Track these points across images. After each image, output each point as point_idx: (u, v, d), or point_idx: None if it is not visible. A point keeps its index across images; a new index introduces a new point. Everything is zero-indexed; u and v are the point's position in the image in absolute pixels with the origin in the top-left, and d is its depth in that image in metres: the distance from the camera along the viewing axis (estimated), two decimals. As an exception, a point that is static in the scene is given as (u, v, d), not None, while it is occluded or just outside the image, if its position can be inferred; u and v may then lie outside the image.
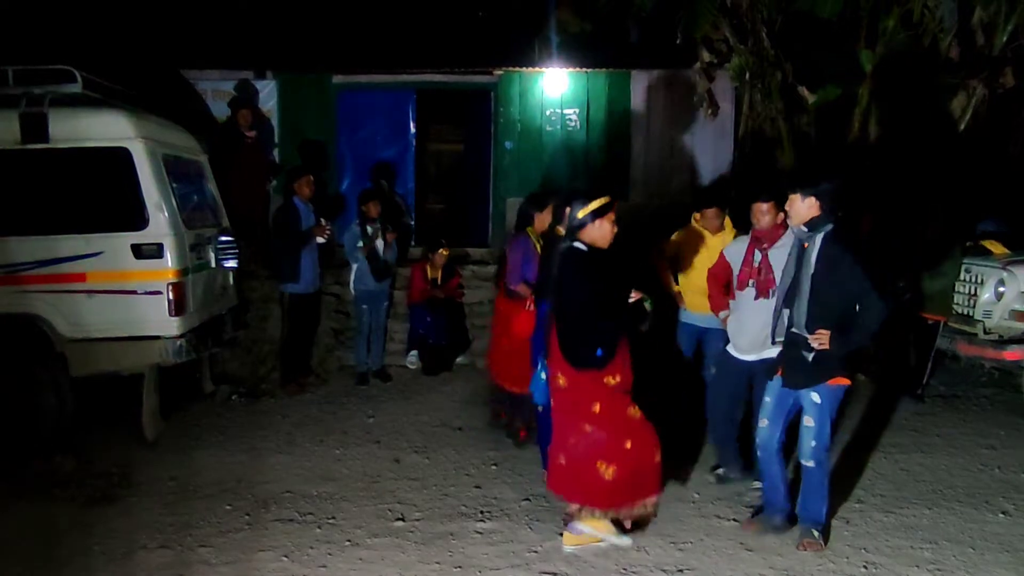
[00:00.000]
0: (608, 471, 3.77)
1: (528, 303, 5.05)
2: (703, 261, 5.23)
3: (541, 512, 4.40)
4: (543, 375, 4.01)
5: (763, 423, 4.03)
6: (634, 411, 3.86)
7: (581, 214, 3.82)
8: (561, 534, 4.05)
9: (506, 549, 3.97)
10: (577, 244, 3.83)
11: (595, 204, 3.81)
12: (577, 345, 3.79)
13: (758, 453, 4.10)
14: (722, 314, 4.70)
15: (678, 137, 9.45)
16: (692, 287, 5.36)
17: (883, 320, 3.67)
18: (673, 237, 5.57)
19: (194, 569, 3.76)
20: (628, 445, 3.79)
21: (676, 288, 5.51)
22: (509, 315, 5.30)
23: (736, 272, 4.50)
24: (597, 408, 3.79)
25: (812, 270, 3.76)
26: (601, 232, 3.83)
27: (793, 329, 3.86)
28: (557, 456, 3.94)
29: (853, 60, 8.62)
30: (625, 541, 3.93)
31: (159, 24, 9.27)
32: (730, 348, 4.58)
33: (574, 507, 3.90)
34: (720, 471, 4.84)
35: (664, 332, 5.44)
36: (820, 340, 3.72)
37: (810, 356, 3.78)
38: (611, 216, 3.84)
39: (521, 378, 4.89)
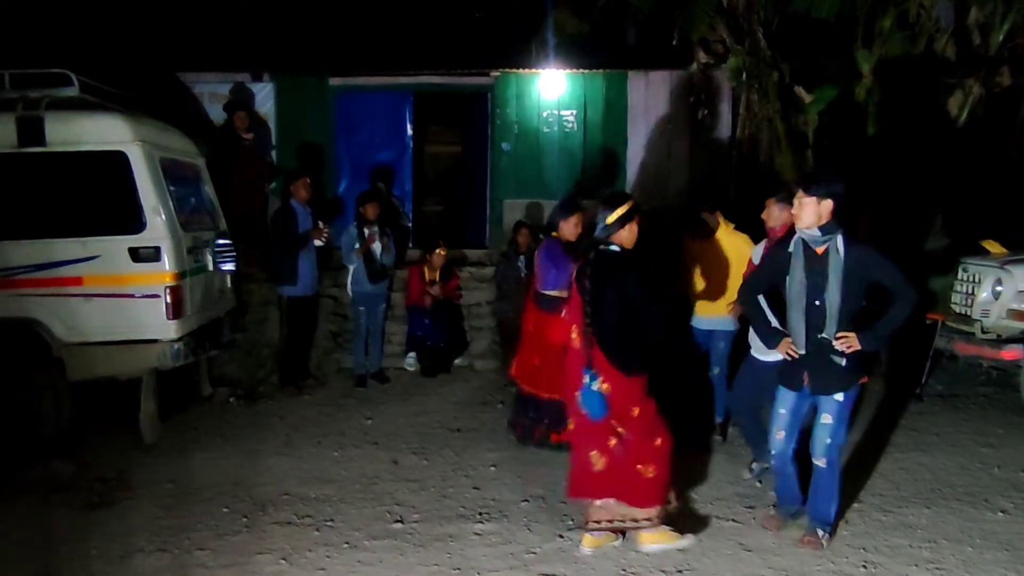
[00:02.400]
0: (648, 471, 3.81)
1: (563, 309, 4.70)
2: (707, 265, 5.29)
3: (539, 513, 4.40)
4: (594, 386, 3.79)
5: (779, 435, 4.00)
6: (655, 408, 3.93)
7: (611, 220, 3.88)
8: (561, 535, 4.05)
9: (505, 551, 3.96)
10: (611, 247, 3.90)
11: (622, 210, 3.90)
12: (625, 348, 3.82)
13: (773, 462, 4.12)
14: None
15: (675, 138, 9.43)
16: (698, 291, 5.38)
17: (914, 309, 3.65)
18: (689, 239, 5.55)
19: (192, 572, 3.75)
20: (659, 443, 3.85)
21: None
22: (541, 322, 5.21)
23: None
24: (636, 412, 3.84)
25: (842, 275, 3.66)
26: (630, 234, 3.94)
27: (822, 335, 3.75)
28: (592, 460, 3.89)
29: (850, 60, 8.62)
30: (687, 542, 3.95)
31: (156, 27, 9.25)
32: (752, 351, 4.62)
33: (595, 504, 3.90)
34: (755, 466, 4.87)
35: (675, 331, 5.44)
36: (848, 342, 3.68)
37: (843, 361, 3.73)
38: (637, 219, 3.94)
39: (554, 385, 4.70)
